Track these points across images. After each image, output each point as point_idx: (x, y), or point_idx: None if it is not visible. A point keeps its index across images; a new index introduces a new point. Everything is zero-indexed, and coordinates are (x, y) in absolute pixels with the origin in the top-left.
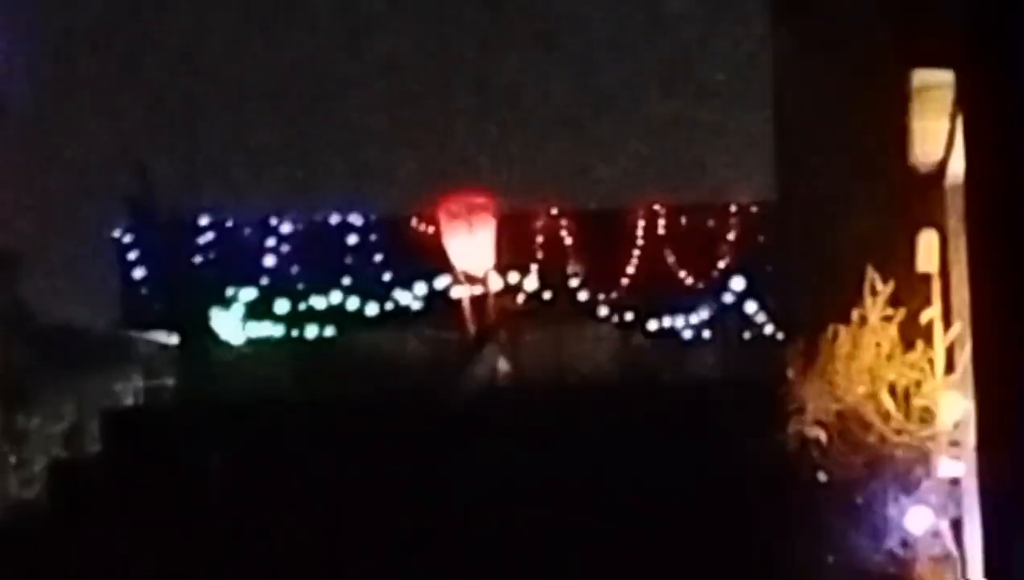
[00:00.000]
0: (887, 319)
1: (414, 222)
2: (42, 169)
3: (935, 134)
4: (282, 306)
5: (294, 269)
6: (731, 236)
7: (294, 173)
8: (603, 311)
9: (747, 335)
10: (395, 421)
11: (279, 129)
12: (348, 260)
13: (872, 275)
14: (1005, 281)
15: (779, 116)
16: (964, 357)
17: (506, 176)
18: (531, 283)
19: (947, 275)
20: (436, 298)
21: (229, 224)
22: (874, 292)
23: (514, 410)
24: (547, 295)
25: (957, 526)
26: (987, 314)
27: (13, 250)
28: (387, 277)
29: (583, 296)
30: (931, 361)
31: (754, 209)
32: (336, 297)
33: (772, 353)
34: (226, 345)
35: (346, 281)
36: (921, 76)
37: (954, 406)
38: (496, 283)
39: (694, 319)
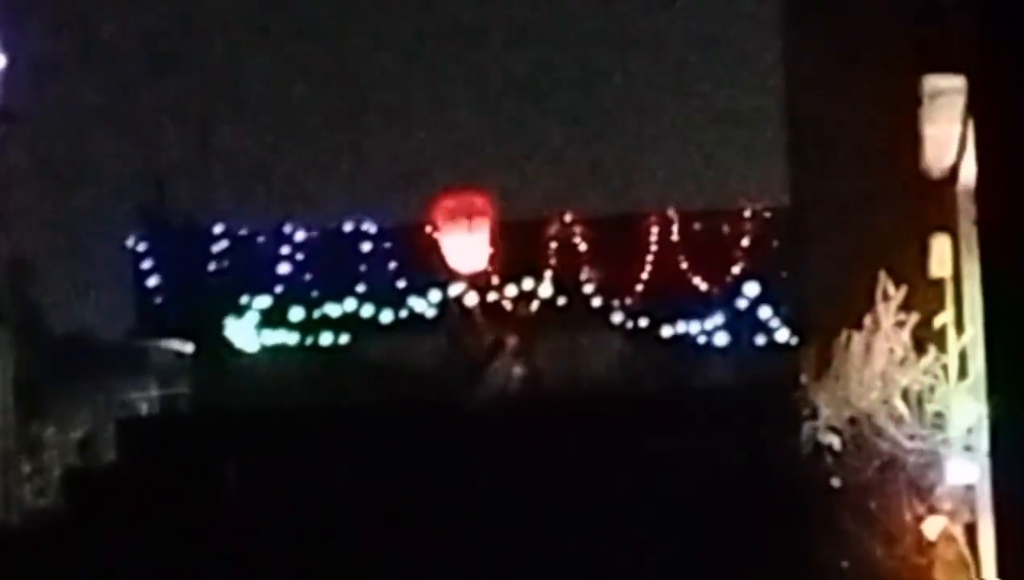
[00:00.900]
0: (900, 324)
1: (428, 229)
2: (57, 179)
3: (947, 139)
4: (296, 314)
5: (308, 277)
6: (745, 242)
7: (308, 181)
8: (617, 317)
9: (761, 340)
10: (410, 427)
11: (292, 138)
12: (362, 268)
13: (885, 280)
14: (1017, 285)
15: (792, 122)
16: (977, 362)
17: (521, 183)
18: (546, 289)
19: (960, 279)
20: (450, 305)
21: (243, 232)
22: (887, 297)
23: (528, 416)
24: (562, 301)
25: (971, 530)
26: (1000, 319)
27: (29, 259)
28: (401, 284)
29: (597, 302)
30: (944, 366)
31: (767, 215)
32: (350, 304)
33: (786, 358)
34: (240, 353)
35: (360, 288)
36: (933, 82)
37: (967, 411)
38: (510, 289)
39: (708, 325)
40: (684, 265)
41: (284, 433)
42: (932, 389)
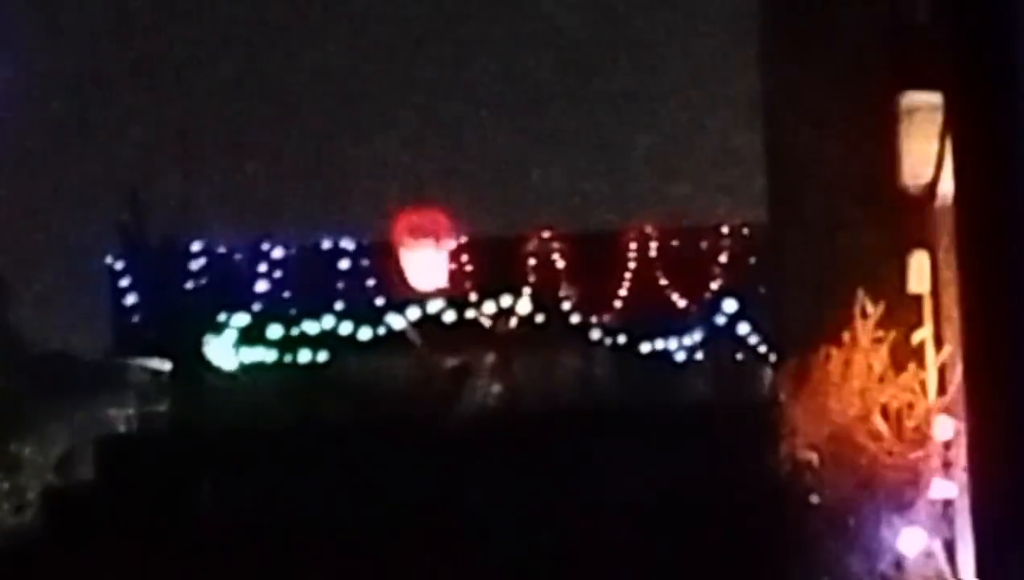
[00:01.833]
0: (878, 341)
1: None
2: (34, 196)
3: (924, 155)
4: (275, 331)
5: (286, 294)
6: (723, 258)
7: (286, 198)
8: (596, 334)
9: (739, 357)
10: (388, 445)
11: (271, 155)
12: (340, 285)
13: (863, 297)
14: (995, 302)
15: (770, 138)
16: (956, 378)
17: (499, 200)
18: (524, 306)
19: (938, 296)
20: (429, 322)
21: (221, 250)
22: (865, 314)
23: (506, 433)
24: (540, 318)
25: (950, 547)
26: (978, 335)
27: (4, 277)
28: (380, 302)
29: (576, 319)
30: (923, 383)
31: (746, 231)
32: (329, 322)
33: (764, 375)
34: (219, 371)
35: (339, 306)
36: (910, 98)
37: (946, 427)
38: (488, 306)
39: (687, 341)
40: (662, 281)
41: (262, 451)
42: (911, 405)
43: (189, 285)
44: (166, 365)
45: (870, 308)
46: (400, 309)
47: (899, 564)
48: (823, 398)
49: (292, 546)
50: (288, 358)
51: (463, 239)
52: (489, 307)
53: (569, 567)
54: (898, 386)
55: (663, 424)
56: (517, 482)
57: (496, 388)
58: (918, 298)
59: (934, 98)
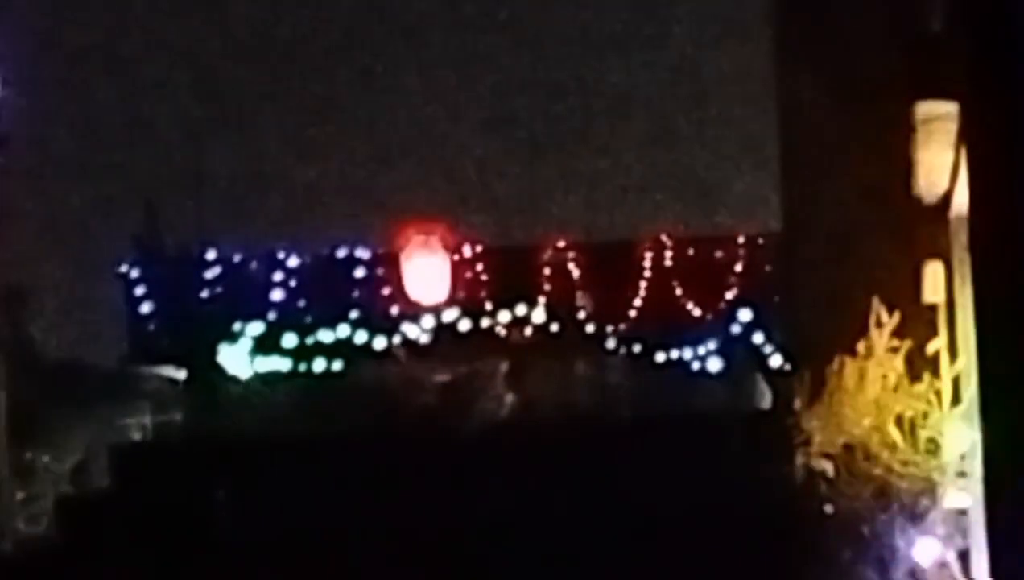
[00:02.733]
0: (893, 350)
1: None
2: (49, 204)
3: (940, 166)
4: (290, 340)
5: (301, 303)
6: (738, 267)
7: (301, 206)
8: (611, 343)
9: (754, 366)
10: (403, 454)
11: (287, 162)
12: (356, 294)
13: (878, 306)
14: (1010, 312)
15: (786, 148)
16: (971, 388)
17: (514, 209)
18: (539, 315)
19: (953, 306)
20: (444, 331)
21: (236, 258)
22: (880, 323)
23: (523, 443)
24: (555, 327)
25: (964, 557)
26: (992, 345)
27: (20, 286)
28: (395, 311)
29: (591, 328)
30: (938, 392)
31: (761, 241)
32: (344, 331)
33: (779, 385)
34: (234, 380)
35: (354, 315)
36: (926, 109)
37: (961, 437)
38: (503, 315)
39: (702, 350)
40: (677, 291)
41: (277, 460)
42: (925, 415)
43: (204, 294)
44: (181, 374)
45: (885, 318)
46: (415, 318)
47: (913, 574)
48: (838, 407)
49: (307, 555)
50: (303, 367)
51: (478, 248)
52: (504, 316)
53: (584, 575)
54: (913, 396)
55: (677, 433)
56: (532, 491)
57: (511, 397)
58: (933, 308)
59: (949, 108)
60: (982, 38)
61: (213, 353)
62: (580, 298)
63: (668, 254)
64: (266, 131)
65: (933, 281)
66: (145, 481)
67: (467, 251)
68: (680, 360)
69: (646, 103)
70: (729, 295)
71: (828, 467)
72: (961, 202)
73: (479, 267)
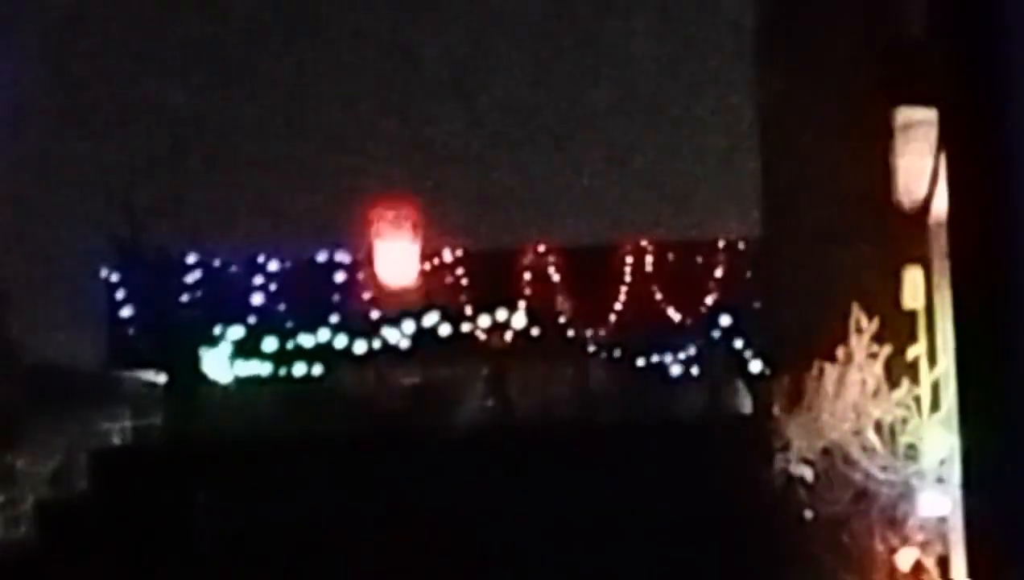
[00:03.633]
0: (873, 356)
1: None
2: (30, 208)
3: (919, 172)
4: (270, 344)
5: (281, 307)
6: (718, 273)
7: (281, 211)
8: (591, 347)
9: (734, 371)
10: (382, 457)
11: (266, 168)
12: (335, 298)
13: (858, 312)
14: (989, 318)
15: (766, 154)
16: (950, 394)
17: (495, 214)
18: (519, 320)
19: (932, 311)
20: (424, 336)
21: (216, 263)
22: (859, 329)
23: (501, 446)
24: (535, 332)
25: (943, 563)
26: (971, 351)
27: (2, 290)
28: (375, 315)
29: (571, 333)
30: (917, 398)
31: (741, 246)
32: (324, 335)
33: (759, 390)
34: (214, 383)
35: (334, 319)
36: (905, 115)
37: (940, 443)
38: (484, 320)
39: (682, 355)
40: (658, 296)
41: (257, 464)
42: (905, 421)
43: (185, 298)
44: (161, 377)
45: (865, 323)
46: (395, 322)
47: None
48: (817, 413)
49: (287, 558)
50: (283, 371)
51: (459, 253)
52: (484, 321)
53: (559, 574)
54: (892, 402)
55: (657, 438)
56: (512, 494)
57: (491, 401)
58: (912, 314)
59: (929, 114)
60: (961, 44)
61: (193, 357)
62: (561, 303)
63: (648, 259)
64: (247, 137)
65: (912, 287)
66: (124, 485)
67: (447, 255)
68: (660, 364)
69: (627, 110)
70: (709, 300)
71: (807, 472)
72: (940, 208)
73: (459, 271)
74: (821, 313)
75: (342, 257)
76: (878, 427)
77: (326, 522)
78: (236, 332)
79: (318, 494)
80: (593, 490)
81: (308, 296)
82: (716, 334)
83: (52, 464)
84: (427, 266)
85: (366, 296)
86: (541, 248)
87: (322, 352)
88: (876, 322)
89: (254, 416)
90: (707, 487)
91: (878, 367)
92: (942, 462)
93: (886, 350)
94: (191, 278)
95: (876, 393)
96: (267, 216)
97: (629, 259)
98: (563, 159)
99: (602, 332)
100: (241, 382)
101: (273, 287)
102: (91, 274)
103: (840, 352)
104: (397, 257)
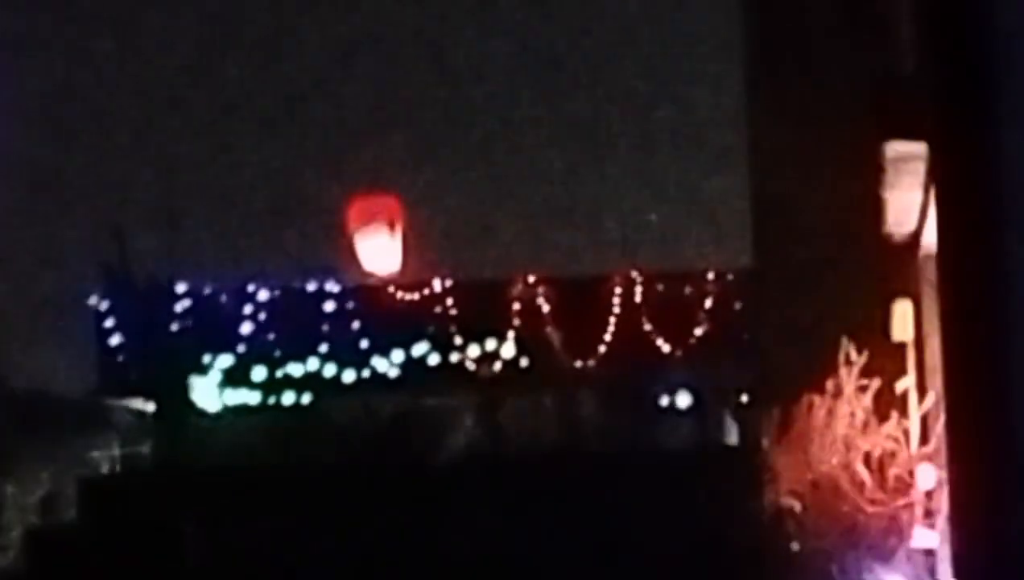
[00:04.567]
0: (862, 389)
1: (391, 289)
2: (19, 235)
3: (909, 205)
4: (259, 373)
5: (271, 336)
6: (707, 304)
7: (271, 240)
8: (580, 378)
9: (723, 403)
10: (371, 488)
11: (256, 196)
12: (325, 327)
13: (847, 344)
14: (978, 352)
15: (756, 186)
16: (939, 427)
17: (484, 243)
18: (508, 350)
19: (921, 344)
20: (414, 365)
21: (206, 291)
22: (849, 361)
23: (490, 476)
24: (524, 362)
25: None
26: (960, 384)
27: None
28: (364, 344)
29: (560, 363)
30: (906, 431)
31: (730, 277)
32: (313, 364)
33: (748, 421)
34: (203, 412)
35: (323, 348)
36: (895, 148)
37: (928, 476)
38: (473, 350)
39: (671, 386)
40: (647, 326)
41: (246, 493)
42: (894, 454)
43: (174, 326)
44: (150, 406)
45: (854, 355)
46: (385, 352)
47: None
48: (806, 445)
49: None
50: (272, 400)
51: (448, 282)
52: (474, 350)
53: None
54: (881, 434)
55: (646, 470)
56: (501, 525)
57: (480, 431)
58: (902, 346)
59: (918, 148)
60: (951, 78)
61: (182, 386)
62: (550, 333)
63: (638, 290)
64: (237, 165)
65: (902, 320)
66: (113, 513)
67: (437, 285)
68: (649, 395)
69: (617, 142)
70: (698, 331)
71: (796, 504)
72: (930, 241)
73: (449, 301)
74: (810, 345)
75: (332, 286)
76: (867, 460)
77: (315, 551)
78: (225, 361)
79: (307, 523)
80: (580, 520)
81: (297, 325)
82: (705, 365)
83: (40, 492)
84: (416, 296)
85: (355, 326)
86: (531, 278)
87: (311, 381)
88: (865, 355)
89: (243, 444)
90: (696, 519)
91: (867, 400)
92: (930, 495)
93: (875, 383)
94: (180, 306)
95: (865, 426)
96: (257, 244)
97: (618, 290)
98: (553, 190)
99: (591, 362)
100: (230, 411)
101: (262, 316)
102: (80, 301)
103: (829, 384)
104: (379, 237)
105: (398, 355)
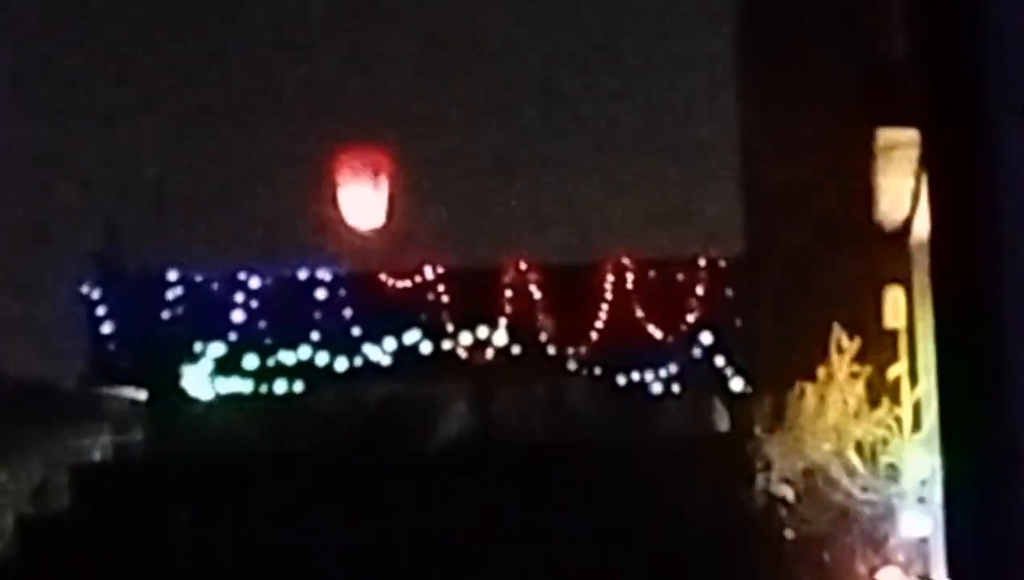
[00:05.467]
0: (854, 376)
1: (383, 277)
2: (8, 223)
3: (900, 192)
4: (251, 361)
5: (263, 324)
6: (699, 291)
7: (263, 227)
8: (572, 366)
9: (715, 390)
10: (364, 476)
11: (248, 183)
12: (317, 315)
13: (839, 332)
14: (971, 338)
15: (748, 174)
16: (931, 415)
17: (476, 230)
18: (500, 338)
19: (913, 332)
20: (406, 353)
21: (198, 279)
22: (841, 349)
23: (482, 465)
24: (516, 350)
25: None
26: (953, 371)
27: None
28: (356, 332)
29: (552, 350)
30: (898, 418)
31: (722, 264)
32: (305, 352)
33: (740, 409)
34: (195, 401)
35: (315, 336)
36: (886, 135)
37: (921, 463)
38: (464, 337)
39: (663, 373)
40: (639, 313)
41: (238, 481)
42: (886, 441)
43: (165, 314)
44: (142, 394)
45: (846, 343)
46: (377, 340)
47: None
48: (798, 433)
49: (268, 575)
50: (264, 388)
51: (440, 270)
52: (465, 338)
53: None
54: (873, 422)
55: (638, 457)
56: (492, 514)
57: (472, 419)
58: (894, 334)
59: (910, 135)
60: (943, 65)
61: (174, 374)
62: (542, 320)
63: (630, 277)
64: (228, 151)
65: (894, 307)
66: (105, 501)
67: (428, 273)
68: (641, 383)
69: (609, 127)
70: (691, 318)
71: (788, 492)
72: (922, 228)
73: (440, 289)
74: (802, 332)
75: (323, 274)
76: (859, 447)
77: (308, 539)
78: (217, 349)
79: (300, 511)
80: (572, 508)
81: (289, 313)
82: (697, 353)
83: (32, 481)
84: (408, 283)
85: (347, 313)
86: (522, 265)
87: (303, 369)
88: (857, 342)
89: (235, 433)
90: (688, 506)
91: (859, 387)
92: (923, 482)
93: (867, 370)
94: (172, 294)
95: (857, 413)
96: (249, 232)
97: (610, 277)
98: (544, 177)
99: (583, 350)
100: (222, 399)
101: (254, 304)
102: (71, 290)
103: (821, 372)
104: (363, 191)
105: (390, 343)
